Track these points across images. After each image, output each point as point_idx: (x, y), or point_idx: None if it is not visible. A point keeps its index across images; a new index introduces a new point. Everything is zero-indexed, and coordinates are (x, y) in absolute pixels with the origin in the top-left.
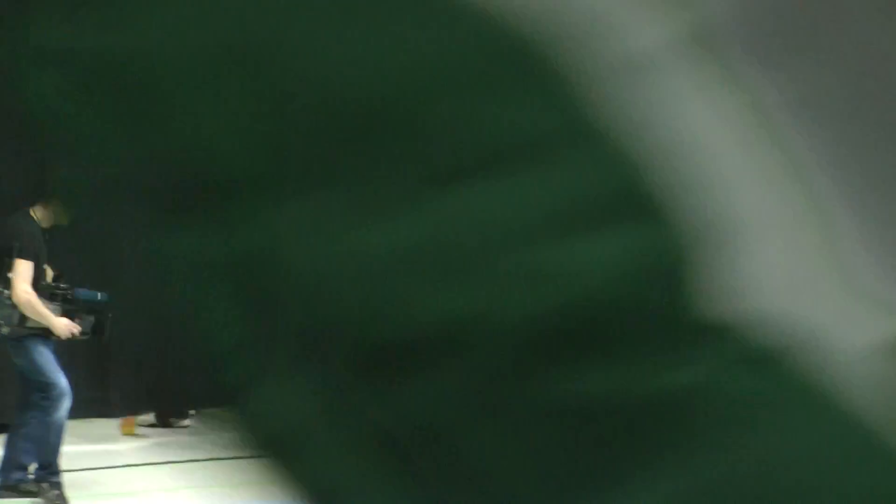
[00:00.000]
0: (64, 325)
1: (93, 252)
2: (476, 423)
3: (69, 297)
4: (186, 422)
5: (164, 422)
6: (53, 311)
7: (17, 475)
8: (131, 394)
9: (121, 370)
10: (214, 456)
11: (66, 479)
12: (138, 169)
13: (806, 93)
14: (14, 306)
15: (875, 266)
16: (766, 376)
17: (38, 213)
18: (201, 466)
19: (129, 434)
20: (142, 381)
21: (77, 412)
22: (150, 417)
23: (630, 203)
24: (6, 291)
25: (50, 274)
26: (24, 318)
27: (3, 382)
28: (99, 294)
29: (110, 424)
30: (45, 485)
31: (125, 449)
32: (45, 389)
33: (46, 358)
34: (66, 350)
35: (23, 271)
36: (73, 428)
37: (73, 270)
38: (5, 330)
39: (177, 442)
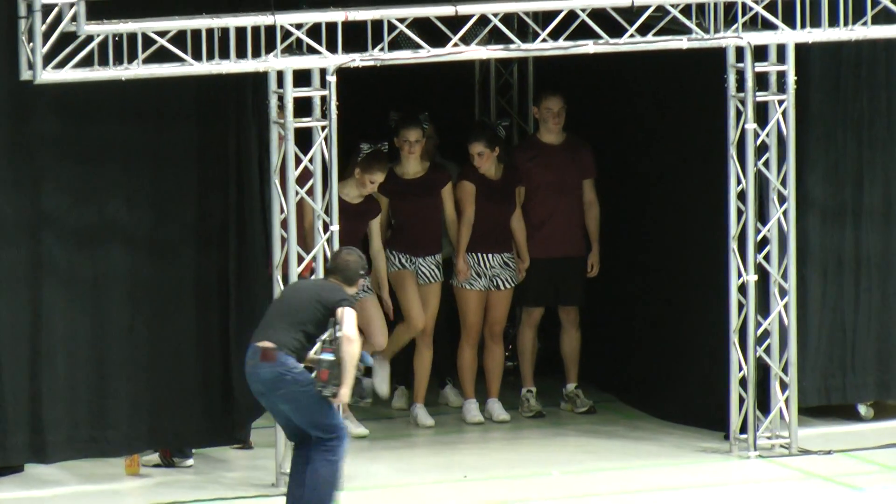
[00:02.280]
0: None
1: None
2: None
3: None
4: (189, 462)
5: (167, 461)
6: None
7: None
8: (132, 433)
9: (122, 410)
10: (218, 496)
11: None
12: None
13: None
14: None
15: None
16: None
17: None
18: None
19: (134, 474)
20: (144, 420)
21: (80, 452)
22: (154, 457)
23: None
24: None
25: None
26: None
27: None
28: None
29: (114, 464)
30: None
31: (129, 488)
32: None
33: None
34: (66, 388)
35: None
36: (76, 468)
37: None
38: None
39: (180, 481)
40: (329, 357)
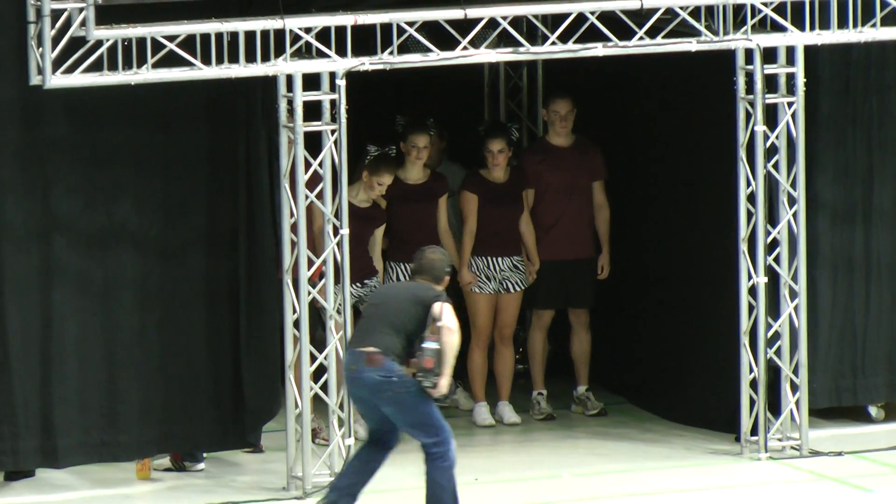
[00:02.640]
0: None
1: None
2: None
3: None
4: (200, 466)
5: (178, 465)
6: None
7: None
8: (143, 437)
9: (133, 414)
10: (229, 500)
11: None
12: None
13: None
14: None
15: None
16: None
17: None
18: None
19: (145, 478)
20: (155, 424)
21: (91, 456)
22: (165, 461)
23: None
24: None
25: None
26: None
27: None
28: None
29: (125, 468)
30: None
31: (140, 493)
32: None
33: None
34: (77, 393)
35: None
36: (87, 472)
37: None
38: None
39: (191, 485)
40: (434, 346)
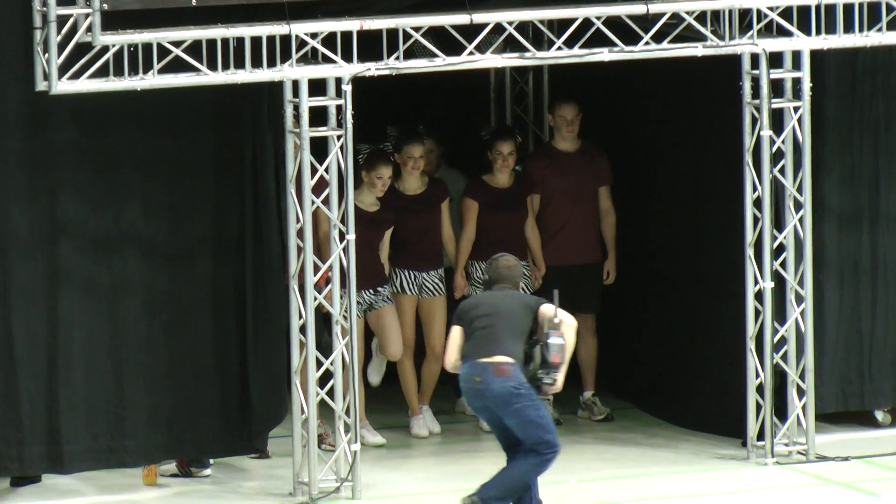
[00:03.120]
0: None
1: None
2: None
3: None
4: (207, 471)
5: (185, 471)
6: None
7: None
8: (150, 443)
9: (140, 420)
10: None
11: None
12: None
13: None
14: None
15: None
16: None
17: None
18: None
19: (151, 484)
20: (162, 430)
21: (98, 462)
22: (171, 467)
23: None
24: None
25: None
26: None
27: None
28: None
29: (132, 474)
30: None
31: (147, 499)
32: None
33: None
34: (84, 399)
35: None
36: (94, 478)
37: None
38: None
39: (198, 491)
40: (559, 341)
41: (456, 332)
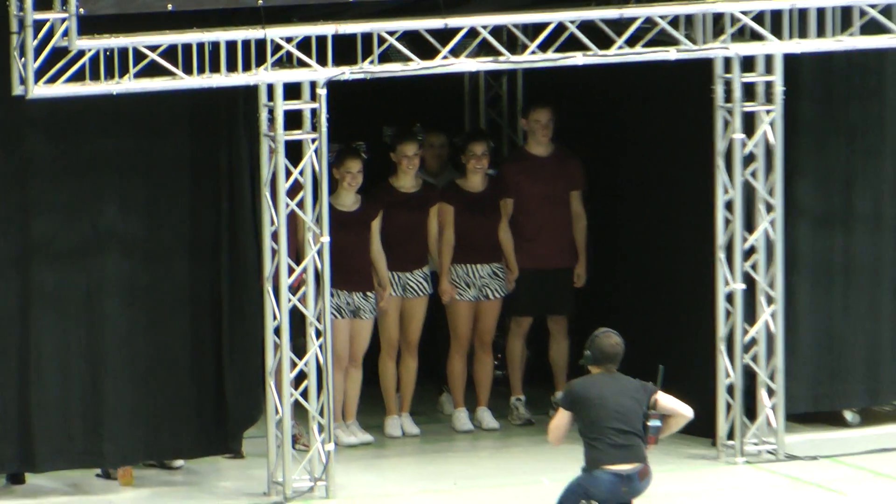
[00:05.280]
0: None
1: None
2: None
3: None
4: (179, 462)
5: (159, 462)
6: None
7: None
8: (130, 444)
9: (116, 422)
10: None
11: None
12: None
13: None
14: None
15: None
16: None
17: None
18: None
19: (128, 484)
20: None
21: (73, 463)
22: None
23: None
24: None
25: None
26: None
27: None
28: None
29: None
30: None
31: (124, 499)
32: None
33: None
34: (59, 404)
35: None
36: (71, 478)
37: None
38: None
39: (174, 492)
40: (658, 423)
41: (565, 417)
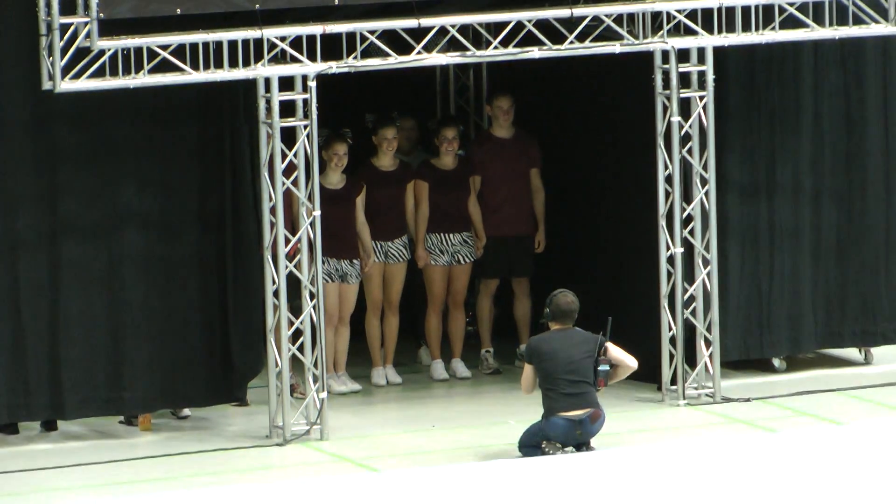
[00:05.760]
0: None
1: None
2: None
3: None
4: (186, 412)
5: (172, 411)
6: None
7: None
8: (148, 393)
9: (135, 374)
10: (220, 447)
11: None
12: None
13: None
14: None
15: None
16: None
17: None
18: (209, 456)
19: (147, 430)
20: (156, 382)
21: (98, 410)
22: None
23: None
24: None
25: None
26: None
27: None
28: None
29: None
30: None
31: (143, 442)
32: None
33: None
34: (84, 359)
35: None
36: (97, 425)
37: None
38: None
39: (187, 436)
40: (606, 368)
41: (529, 370)
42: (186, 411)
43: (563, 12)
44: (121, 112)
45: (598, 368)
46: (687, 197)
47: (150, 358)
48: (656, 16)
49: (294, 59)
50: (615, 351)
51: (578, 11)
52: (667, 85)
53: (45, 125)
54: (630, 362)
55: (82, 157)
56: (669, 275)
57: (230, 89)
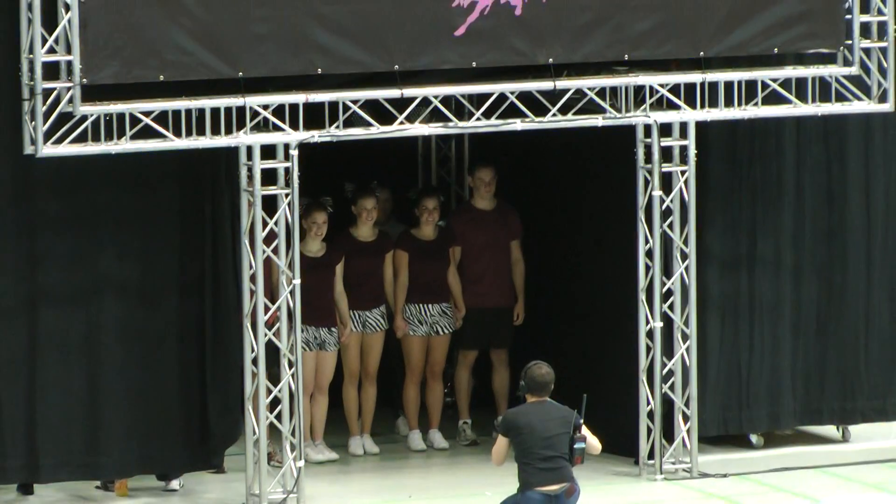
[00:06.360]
0: None
1: None
2: None
3: None
4: (175, 485)
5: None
6: None
7: None
8: (125, 458)
9: (112, 439)
10: None
11: None
12: None
13: None
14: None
15: None
16: None
17: None
18: None
19: (123, 496)
20: (133, 448)
21: (74, 474)
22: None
23: None
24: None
25: None
26: None
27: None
28: None
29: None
30: None
31: None
32: None
33: None
34: (62, 425)
35: None
36: (72, 489)
37: None
38: None
39: (163, 502)
40: (582, 445)
41: (502, 442)
42: (175, 484)
43: (546, 85)
44: (101, 178)
45: (575, 446)
46: (667, 271)
47: (128, 423)
48: (639, 89)
49: (276, 128)
50: (585, 432)
51: (561, 84)
52: (648, 159)
53: (24, 193)
54: (597, 446)
55: (61, 224)
56: (648, 349)
57: (211, 156)
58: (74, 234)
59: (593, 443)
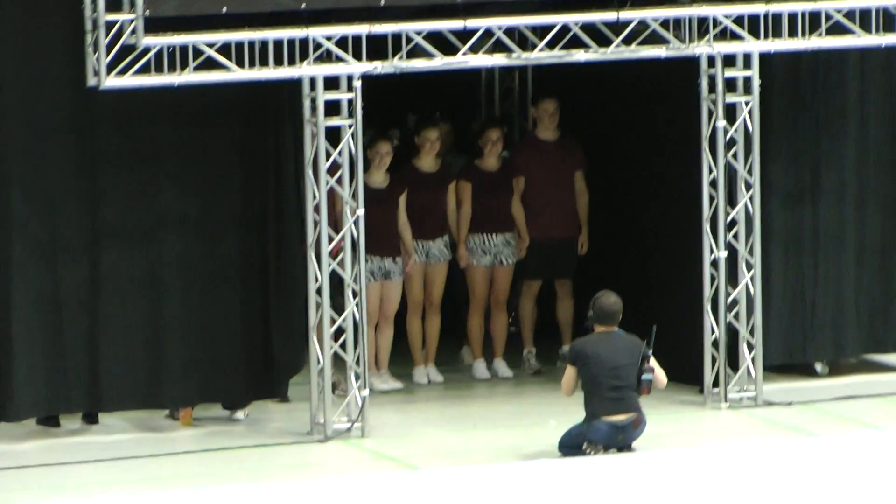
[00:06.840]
0: None
1: None
2: None
3: None
4: (240, 415)
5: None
6: None
7: None
8: (187, 388)
9: (176, 370)
10: (261, 442)
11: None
12: None
13: None
14: None
15: None
16: None
17: None
18: (250, 452)
19: (188, 425)
20: (196, 378)
21: (138, 404)
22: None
23: None
24: None
25: None
26: None
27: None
28: None
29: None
30: None
31: (183, 437)
32: None
33: None
34: (125, 358)
35: None
36: (138, 419)
37: None
38: None
39: (228, 432)
40: (650, 377)
41: (571, 372)
42: (240, 414)
43: (610, 16)
44: (162, 113)
45: (643, 377)
46: (731, 201)
47: (190, 354)
48: (702, 21)
49: (339, 59)
50: (653, 363)
51: (624, 15)
52: (712, 90)
53: (86, 128)
54: (663, 379)
55: (123, 160)
56: (713, 278)
57: (274, 89)
58: (136, 169)
59: (660, 376)
